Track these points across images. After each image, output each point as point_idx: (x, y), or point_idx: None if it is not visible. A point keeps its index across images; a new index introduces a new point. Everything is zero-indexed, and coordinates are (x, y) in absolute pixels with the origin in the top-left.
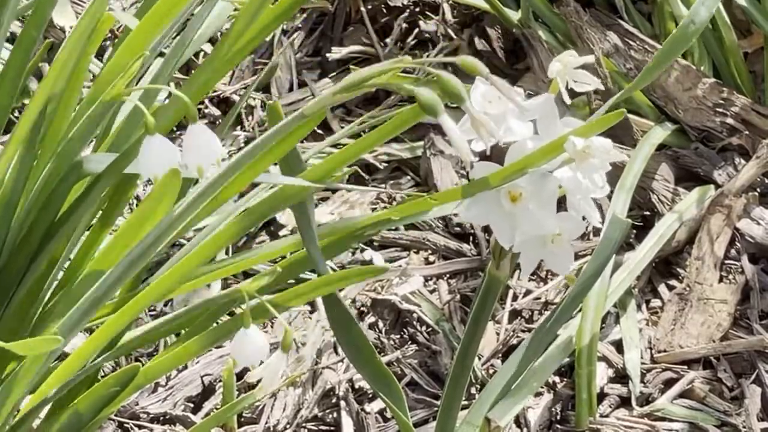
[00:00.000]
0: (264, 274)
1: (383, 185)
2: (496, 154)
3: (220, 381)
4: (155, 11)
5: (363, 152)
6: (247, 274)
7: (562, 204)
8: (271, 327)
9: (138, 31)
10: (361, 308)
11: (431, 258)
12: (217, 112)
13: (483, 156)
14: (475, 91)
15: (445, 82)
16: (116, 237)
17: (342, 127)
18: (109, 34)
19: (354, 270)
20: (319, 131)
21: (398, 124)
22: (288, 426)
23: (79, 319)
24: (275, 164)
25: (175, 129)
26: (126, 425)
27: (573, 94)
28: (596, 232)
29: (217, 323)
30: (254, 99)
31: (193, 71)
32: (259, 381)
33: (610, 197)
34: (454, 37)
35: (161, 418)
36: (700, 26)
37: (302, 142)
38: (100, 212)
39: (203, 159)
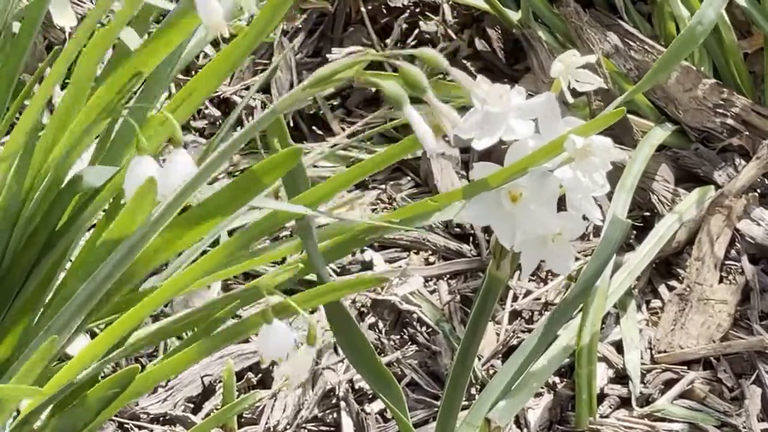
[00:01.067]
0: (285, 269)
1: (383, 186)
2: (496, 155)
3: (221, 381)
4: (160, 38)
5: (367, 174)
6: (247, 275)
7: (562, 203)
8: None
9: (142, 54)
10: (362, 309)
11: (431, 258)
12: (218, 113)
13: (483, 156)
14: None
15: (405, 73)
16: (102, 243)
17: (342, 128)
18: None
19: (358, 279)
20: (319, 132)
21: (407, 147)
22: (288, 426)
23: (70, 319)
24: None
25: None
26: (126, 425)
27: (573, 94)
28: (596, 232)
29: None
30: (254, 100)
31: (195, 72)
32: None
33: (610, 198)
34: (454, 37)
35: (161, 418)
36: (708, 27)
37: (301, 142)
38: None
39: (175, 185)
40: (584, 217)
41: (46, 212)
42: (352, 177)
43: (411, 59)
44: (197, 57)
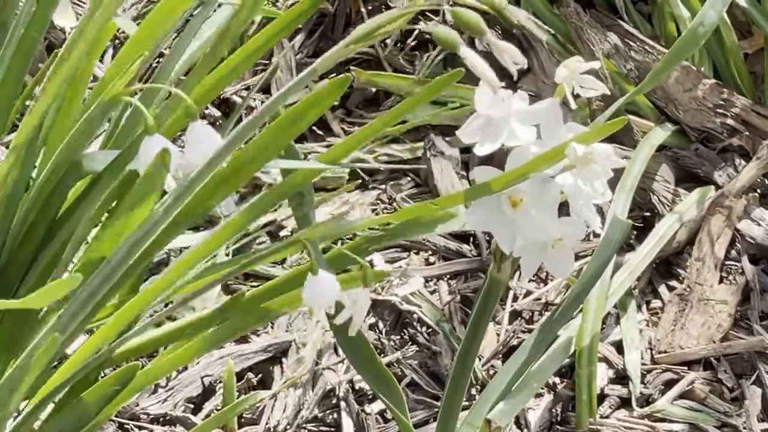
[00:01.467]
0: (322, 222)
1: (383, 186)
2: (497, 157)
3: (221, 382)
4: (156, 13)
5: (368, 138)
6: (248, 275)
7: (562, 208)
8: (272, 328)
9: (139, 34)
10: None
11: (431, 259)
12: (218, 113)
13: (483, 160)
14: (481, 92)
15: (461, 15)
16: (109, 228)
17: (342, 128)
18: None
19: (357, 273)
20: (319, 132)
21: (404, 109)
22: (288, 427)
23: (76, 313)
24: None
25: (180, 132)
26: (126, 426)
27: (575, 97)
28: (597, 233)
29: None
30: (254, 100)
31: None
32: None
33: (610, 199)
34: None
35: (161, 419)
36: (710, 29)
37: (301, 143)
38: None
39: (202, 155)
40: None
41: (46, 201)
42: (354, 142)
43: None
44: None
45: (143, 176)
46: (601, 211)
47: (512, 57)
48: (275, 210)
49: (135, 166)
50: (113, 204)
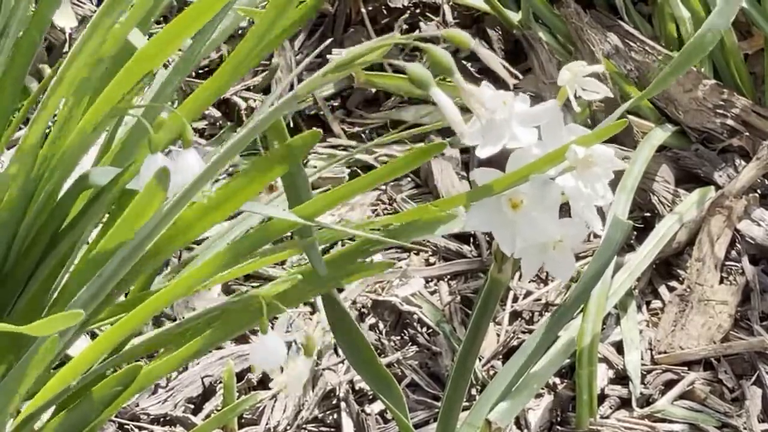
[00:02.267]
0: (284, 280)
1: (384, 187)
2: (497, 158)
3: (221, 382)
4: (166, 33)
5: (369, 188)
6: (248, 276)
7: (563, 210)
8: (271, 328)
9: (147, 50)
10: (362, 310)
11: (432, 259)
12: (218, 114)
13: (483, 162)
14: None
15: (433, 54)
16: (107, 240)
17: (342, 129)
18: None
19: (359, 265)
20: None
21: (410, 161)
22: (288, 427)
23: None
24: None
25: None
26: (126, 426)
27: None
28: (597, 233)
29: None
30: (254, 101)
31: (196, 75)
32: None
33: (611, 201)
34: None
35: (162, 419)
36: (718, 35)
37: None
38: (101, 224)
39: (183, 180)
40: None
41: (51, 212)
42: (353, 189)
43: (433, 42)
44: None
45: (140, 196)
46: (601, 211)
47: (479, 101)
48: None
49: (135, 185)
50: (113, 214)
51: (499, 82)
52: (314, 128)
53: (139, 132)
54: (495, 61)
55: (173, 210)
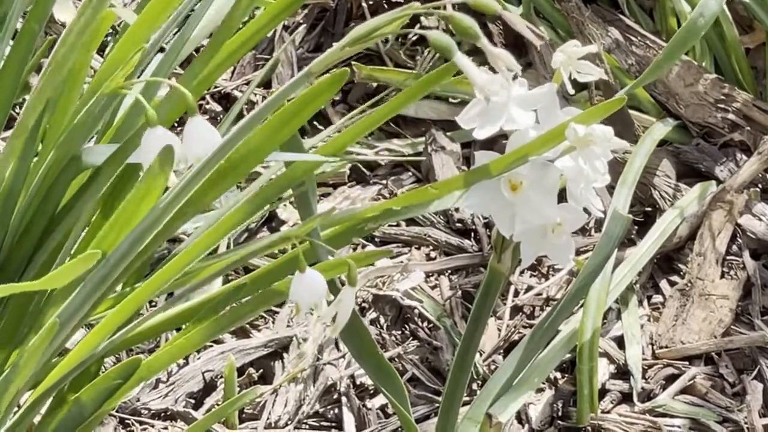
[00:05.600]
0: (316, 216)
1: (384, 181)
2: (497, 148)
3: (222, 377)
4: (154, 4)
5: (369, 129)
6: (247, 269)
7: (563, 197)
8: (273, 323)
9: (137, 25)
10: (363, 304)
11: (432, 254)
12: (218, 108)
13: (483, 145)
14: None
15: (458, 21)
16: (112, 222)
17: (343, 123)
18: (111, 30)
19: (359, 253)
20: (320, 126)
21: (402, 100)
22: (289, 422)
23: (80, 306)
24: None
25: (175, 124)
26: (127, 421)
27: (574, 86)
28: (598, 227)
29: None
30: (255, 95)
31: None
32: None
33: (611, 193)
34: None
35: (162, 414)
36: (710, 20)
37: (303, 137)
38: (102, 205)
39: (202, 150)
40: (586, 211)
41: (46, 195)
42: (357, 131)
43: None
44: (196, 50)
45: (146, 173)
46: (602, 205)
47: (507, 63)
48: (276, 206)
49: (136, 159)
50: (112, 196)
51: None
52: (315, 121)
53: (136, 116)
54: (521, 24)
55: (193, 181)
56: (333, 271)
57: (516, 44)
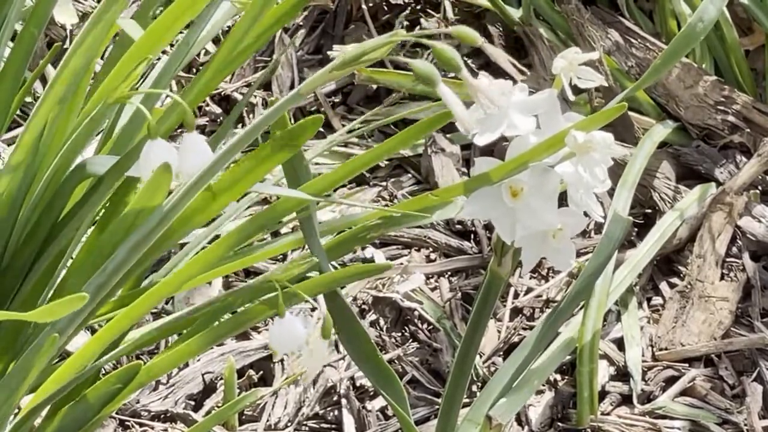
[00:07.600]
0: (298, 262)
1: (384, 183)
2: (497, 152)
3: (222, 379)
4: (162, 20)
5: (368, 166)
6: (248, 272)
7: (563, 200)
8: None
9: (144, 40)
10: (363, 306)
11: (432, 256)
12: (218, 110)
13: (484, 153)
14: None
15: (439, 52)
16: (110, 231)
17: (343, 125)
18: None
19: (358, 267)
20: (320, 129)
21: (405, 138)
22: (289, 424)
23: (80, 312)
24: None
25: (177, 128)
26: (127, 423)
27: (574, 90)
28: (598, 229)
29: (219, 321)
30: (255, 97)
31: (196, 70)
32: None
33: (611, 195)
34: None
35: (162, 416)
36: (709, 24)
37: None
38: (101, 214)
39: (196, 167)
40: (586, 214)
41: (49, 203)
42: (353, 168)
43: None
44: (198, 54)
45: (147, 185)
46: (602, 207)
47: (488, 96)
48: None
49: (135, 172)
50: (111, 205)
51: (501, 77)
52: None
53: (138, 123)
54: (503, 57)
55: (186, 197)
56: (334, 283)
57: (516, 46)
